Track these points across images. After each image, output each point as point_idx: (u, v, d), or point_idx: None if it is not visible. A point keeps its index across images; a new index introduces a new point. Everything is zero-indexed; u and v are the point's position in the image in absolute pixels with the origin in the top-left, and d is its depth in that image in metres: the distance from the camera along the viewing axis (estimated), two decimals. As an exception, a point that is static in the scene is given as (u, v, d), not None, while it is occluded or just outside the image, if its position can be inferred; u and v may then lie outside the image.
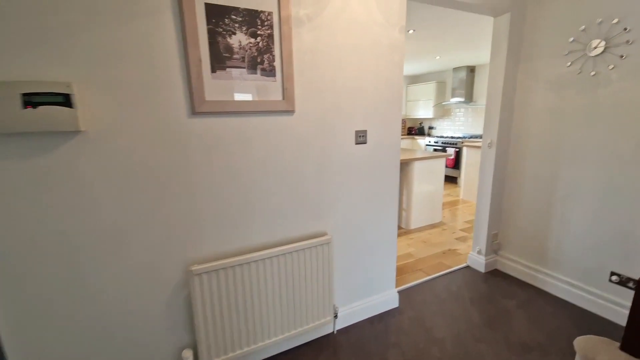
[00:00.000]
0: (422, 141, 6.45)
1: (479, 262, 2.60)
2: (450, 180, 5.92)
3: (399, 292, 2.27)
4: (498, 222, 2.57)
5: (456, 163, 5.60)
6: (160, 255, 1.34)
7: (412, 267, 2.66)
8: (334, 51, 1.58)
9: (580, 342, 1.57)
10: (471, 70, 5.66)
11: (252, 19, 1.32)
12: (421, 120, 7.16)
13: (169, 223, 1.34)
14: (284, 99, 1.44)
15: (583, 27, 1.95)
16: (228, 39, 1.28)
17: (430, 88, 6.33)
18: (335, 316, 1.81)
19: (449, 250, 2.99)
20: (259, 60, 1.36)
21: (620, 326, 1.90)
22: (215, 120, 1.35)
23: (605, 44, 1.86)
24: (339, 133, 1.68)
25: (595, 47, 1.90)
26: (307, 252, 1.57)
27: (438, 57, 4.87)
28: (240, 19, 1.30)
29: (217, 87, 1.30)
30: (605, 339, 1.58)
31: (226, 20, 1.27)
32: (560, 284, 2.20)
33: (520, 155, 2.39)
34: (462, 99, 5.71)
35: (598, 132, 1.95)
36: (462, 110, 6.13)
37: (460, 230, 3.51)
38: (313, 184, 1.66)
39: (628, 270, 1.89)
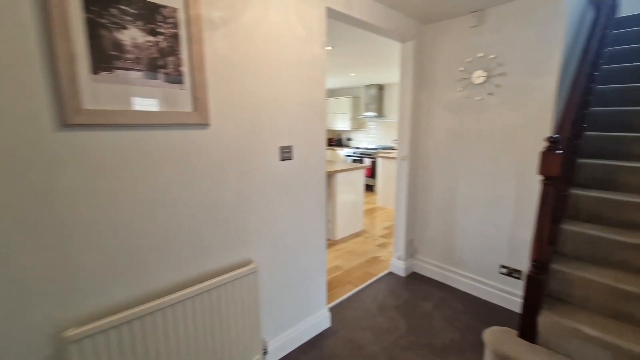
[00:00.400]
0: (342, 152, 6.74)
1: (400, 267, 2.75)
2: (368, 188, 6.31)
3: (331, 309, 2.21)
4: (413, 229, 2.78)
5: (372, 172, 6.00)
6: (11, 322, 0.96)
7: (341, 280, 2.65)
8: (253, 62, 1.45)
9: (488, 336, 1.75)
10: (380, 88, 6.21)
11: (151, 14, 1.09)
12: (339, 132, 7.51)
13: (28, 276, 0.97)
14: (195, 110, 1.24)
15: (469, 59, 2.27)
16: (116, 34, 1.03)
17: (346, 102, 6.70)
18: (265, 352, 1.63)
19: (373, 258, 3.10)
20: (161, 63, 1.13)
21: (511, 311, 2.22)
22: (102, 134, 1.06)
23: (486, 74, 2.20)
24: (261, 149, 1.54)
25: (479, 77, 2.23)
26: (230, 286, 1.37)
27: (353, 75, 5.18)
28: (133, 11, 1.06)
29: (103, 92, 1.02)
30: (506, 328, 1.80)
31: (113, 10, 1.01)
32: (466, 280, 2.48)
33: (427, 169, 2.64)
34: (374, 114, 6.19)
35: (484, 150, 2.28)
36: (375, 123, 6.65)
37: (380, 237, 3.71)
38: (234, 207, 1.47)
39: (513, 263, 2.23)
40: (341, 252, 3.27)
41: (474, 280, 2.44)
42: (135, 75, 1.08)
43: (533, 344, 1.64)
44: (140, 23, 1.07)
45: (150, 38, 1.10)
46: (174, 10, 1.14)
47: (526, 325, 1.66)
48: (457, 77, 2.36)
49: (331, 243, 3.51)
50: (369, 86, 6.23)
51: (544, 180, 1.53)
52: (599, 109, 2.25)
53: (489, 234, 2.33)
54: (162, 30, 1.12)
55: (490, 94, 2.20)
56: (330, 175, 3.48)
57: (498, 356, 1.63)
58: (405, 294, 2.44)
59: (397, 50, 3.54)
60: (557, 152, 1.46)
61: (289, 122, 1.65)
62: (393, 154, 5.14)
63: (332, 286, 2.54)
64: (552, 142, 1.47)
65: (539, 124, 2.00)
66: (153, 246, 1.22)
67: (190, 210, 1.31)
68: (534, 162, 2.04)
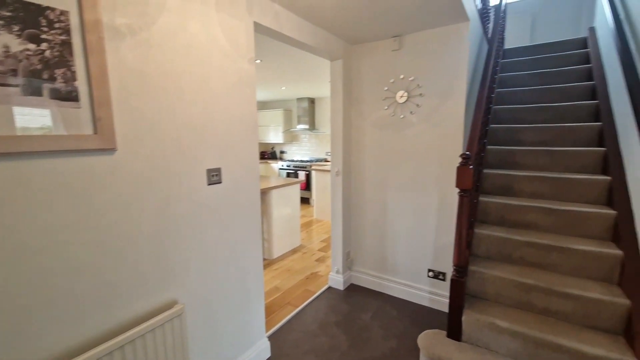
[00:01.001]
0: (276, 165, 6.64)
1: (338, 281, 2.77)
2: (304, 201, 6.32)
3: (270, 336, 2.09)
4: (350, 241, 2.84)
5: (307, 185, 6.04)
6: None
7: (281, 302, 2.54)
8: (172, 77, 1.30)
9: (421, 340, 1.84)
10: (312, 101, 6.34)
11: (32, 17, 0.88)
12: (273, 145, 7.40)
13: None
14: (96, 132, 1.03)
15: (392, 80, 2.45)
16: (-22, 40, 0.80)
17: (278, 115, 6.66)
18: (196, 402, 1.43)
19: (312, 274, 3.07)
20: (46, 76, 0.92)
21: (440, 311, 2.40)
22: (-45, 167, 0.80)
23: (408, 94, 2.40)
24: (185, 174, 1.38)
25: (401, 96, 2.42)
26: (149, 336, 1.17)
27: (284, 88, 5.18)
28: (8, 13, 0.84)
29: (-44, 113, 0.77)
30: (437, 330, 1.92)
31: (-28, 9, 0.79)
32: (399, 286, 2.62)
33: (360, 183, 2.74)
34: (306, 126, 6.28)
35: (410, 165, 2.46)
36: (307, 136, 6.74)
37: (318, 250, 3.71)
38: (152, 244, 1.27)
39: (438, 266, 2.43)
40: (279, 271, 3.16)
41: (406, 285, 2.59)
42: (9, 91, 0.85)
43: (460, 342, 1.79)
44: (16, 28, 0.86)
45: (31, 46, 0.88)
46: (64, 13, 0.94)
47: (453, 325, 1.80)
48: (382, 96, 2.52)
49: (268, 263, 3.38)
50: (301, 99, 6.31)
51: (460, 192, 1.71)
52: (495, 126, 2.64)
53: (416, 242, 2.50)
54: (47, 37, 0.91)
55: (412, 112, 2.40)
56: (264, 193, 3.37)
57: (431, 359, 1.73)
58: (345, 308, 2.46)
59: (326, 67, 3.65)
60: (469, 167, 1.64)
61: (217, 143, 1.52)
62: (327, 166, 5.26)
63: (271, 310, 2.42)
64: (465, 158, 1.65)
65: (453, 140, 2.24)
66: (40, 303, 0.96)
67: (90, 254, 1.08)
68: (451, 174, 2.27)
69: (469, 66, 2.19)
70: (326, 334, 2.14)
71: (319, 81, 4.61)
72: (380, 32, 2.29)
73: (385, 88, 2.49)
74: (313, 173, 5.28)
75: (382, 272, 2.72)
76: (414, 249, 2.52)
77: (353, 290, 2.74)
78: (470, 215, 1.95)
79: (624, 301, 1.54)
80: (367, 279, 2.79)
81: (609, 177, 1.96)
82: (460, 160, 1.68)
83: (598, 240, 1.84)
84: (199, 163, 1.44)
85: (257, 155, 1.77)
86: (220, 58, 1.51)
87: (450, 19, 2.06)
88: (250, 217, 1.75)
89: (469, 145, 1.84)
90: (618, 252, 1.68)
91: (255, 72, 1.70)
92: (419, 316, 2.35)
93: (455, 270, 1.77)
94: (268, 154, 7.23)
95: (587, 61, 2.90)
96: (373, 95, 2.57)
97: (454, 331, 1.79)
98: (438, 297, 2.44)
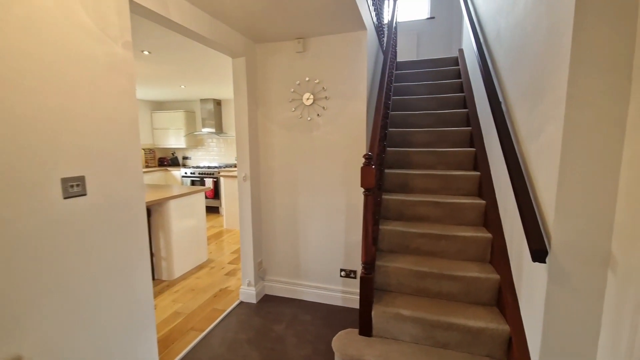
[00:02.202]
0: (178, 172, 5.96)
1: (250, 294, 2.58)
2: (212, 210, 5.83)
3: (167, 373, 1.77)
4: (261, 250, 2.69)
5: (216, 193, 5.59)
6: None
7: (182, 329, 2.21)
8: (6, 60, 0.95)
9: (335, 342, 1.83)
10: (218, 103, 5.93)
11: None
12: (174, 150, 6.64)
13: None
14: None
15: (298, 82, 2.42)
16: None
17: (179, 116, 6.00)
18: None
19: (221, 290, 2.79)
20: None
21: (353, 309, 2.46)
22: None
23: (314, 97, 2.40)
24: (30, 183, 1.03)
25: (307, 99, 2.41)
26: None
27: (183, 86, 4.68)
28: None
29: None
30: (349, 330, 1.94)
31: None
32: (313, 290, 2.59)
33: (270, 187, 2.62)
34: (212, 130, 5.83)
35: (318, 167, 2.47)
36: (215, 140, 6.27)
37: (228, 263, 3.42)
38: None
39: (349, 265, 2.50)
40: (181, 292, 2.78)
41: (320, 288, 2.58)
42: None
43: (370, 337, 1.84)
44: None
45: None
46: None
47: (364, 322, 1.84)
48: (289, 98, 2.47)
49: (168, 285, 2.93)
50: (205, 100, 5.83)
51: (365, 191, 1.76)
52: (392, 130, 2.88)
53: (327, 243, 2.52)
54: None
55: (318, 115, 2.41)
56: (160, 204, 2.93)
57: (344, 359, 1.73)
58: (258, 322, 2.29)
59: (231, 66, 3.42)
60: (372, 166, 1.71)
61: (79, 144, 1.19)
62: (237, 171, 4.96)
63: (170, 340, 2.07)
64: (368, 159, 1.71)
65: (357, 141, 2.34)
66: None
67: None
68: (356, 174, 2.36)
69: (369, 73, 2.33)
70: (236, 355, 1.94)
71: (225, 81, 4.32)
72: (283, 32, 2.24)
73: (292, 90, 2.44)
74: (222, 180, 4.91)
75: (296, 278, 2.65)
76: (325, 251, 2.53)
77: (267, 301, 2.60)
78: (374, 212, 2.05)
79: (495, 276, 1.82)
80: (281, 287, 2.68)
81: (478, 173, 2.34)
82: (363, 160, 1.73)
83: (474, 227, 2.15)
84: (49, 170, 1.10)
85: (140, 160, 1.47)
86: (81, 38, 1.19)
87: (349, 26, 2.14)
88: (133, 235, 1.44)
89: (371, 147, 1.92)
90: (488, 235, 1.99)
91: (132, 59, 1.41)
92: (334, 317, 2.36)
93: (363, 267, 1.82)
94: (168, 161, 6.44)
95: (459, 76, 3.45)
96: (280, 96, 2.50)
97: (365, 328, 1.83)
98: (351, 295, 2.50)
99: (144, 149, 6.11)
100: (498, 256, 1.88)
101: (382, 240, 2.19)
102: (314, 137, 2.45)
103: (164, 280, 3.00)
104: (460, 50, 3.70)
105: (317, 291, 2.58)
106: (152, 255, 2.99)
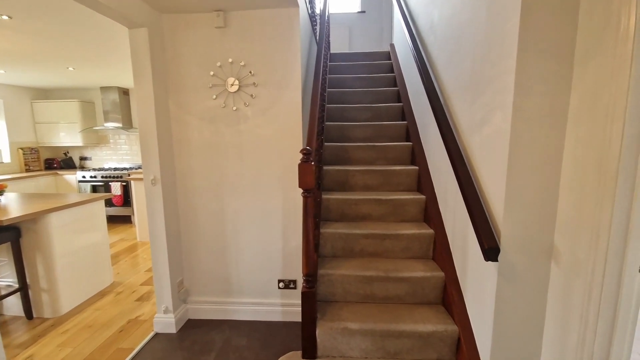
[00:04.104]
0: (73, 177, 4.85)
1: (168, 323, 2.11)
2: (123, 220, 4.92)
3: None
4: (181, 268, 2.23)
5: (126, 199, 4.71)
6: None
7: (68, 386, 1.65)
8: None
9: (277, 373, 1.55)
10: (125, 92, 5.00)
11: None
12: (66, 150, 5.41)
13: None
14: None
15: (219, 63, 2.03)
16: None
17: (72, 108, 4.89)
18: None
19: (129, 322, 2.23)
20: None
21: (296, 322, 2.20)
22: None
23: (239, 82, 2.04)
24: None
25: (232, 85, 2.04)
26: None
27: (72, 69, 3.75)
28: None
29: None
30: (291, 354, 1.67)
31: None
32: (248, 307, 2.24)
33: (189, 191, 2.18)
34: (119, 125, 4.89)
35: (249, 164, 2.13)
36: (124, 137, 5.30)
37: (141, 285, 2.81)
38: None
39: (288, 275, 2.22)
40: (72, 332, 2.13)
41: (256, 304, 2.25)
42: None
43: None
44: None
45: None
46: None
47: (307, 344, 1.59)
48: (209, 83, 2.06)
49: (51, 325, 2.24)
50: (107, 89, 4.84)
51: (304, 192, 1.50)
52: (330, 123, 2.69)
53: (263, 252, 2.20)
54: None
55: (246, 104, 2.06)
56: (36, 221, 2.21)
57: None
58: (179, 357, 1.86)
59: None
60: (311, 163, 1.45)
61: None
62: (152, 173, 4.22)
63: (47, 408, 1.52)
64: (307, 154, 1.45)
65: (292, 136, 2.06)
66: None
67: None
68: (293, 173, 2.09)
69: (302, 60, 2.07)
70: (148, 411, 1.50)
71: (126, 65, 3.58)
72: (197, 1, 1.83)
73: (212, 73, 2.04)
74: (132, 184, 4.13)
75: (227, 295, 2.27)
76: (261, 262, 2.21)
77: (191, 327, 2.16)
78: (316, 215, 1.81)
79: (439, 274, 1.75)
80: (210, 309, 2.26)
81: (417, 167, 2.29)
82: (301, 156, 1.47)
83: (416, 222, 2.09)
84: None
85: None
86: None
87: (278, 0, 1.84)
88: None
89: (309, 141, 1.67)
90: (430, 231, 1.93)
91: None
92: (274, 337, 2.06)
93: (305, 280, 1.57)
94: (59, 162, 5.21)
95: (392, 70, 3.44)
96: (197, 81, 2.07)
97: (310, 350, 1.59)
98: (291, 307, 2.23)
99: (22, 148, 4.82)
100: (441, 252, 1.82)
101: (324, 245, 1.97)
102: (242, 130, 2.10)
103: (47, 319, 2.29)
104: (392, 45, 3.72)
105: (253, 308, 2.24)
106: (25, 287, 2.24)
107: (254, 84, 2.03)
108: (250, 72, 2.03)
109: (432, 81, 1.95)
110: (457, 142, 1.61)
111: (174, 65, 2.06)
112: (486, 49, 1.41)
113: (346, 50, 4.60)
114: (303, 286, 1.57)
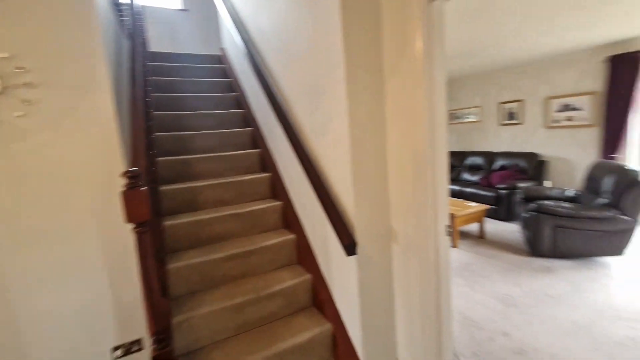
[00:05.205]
0: None
1: None
2: None
3: None
4: None
5: None
6: None
7: None
8: None
9: None
10: None
11: None
12: None
13: None
14: None
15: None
16: None
17: None
18: None
19: None
20: None
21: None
22: None
23: (2, 82, 1.37)
24: None
25: (-13, 84, 1.35)
26: None
27: None
28: None
29: None
30: None
31: None
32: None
33: None
34: None
35: (39, 203, 1.46)
36: None
37: None
38: None
39: (128, 335, 1.69)
40: None
41: (85, 391, 1.60)
42: None
43: None
44: None
45: None
46: None
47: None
48: None
49: None
50: None
51: (136, 227, 1.14)
52: (162, 134, 2.26)
53: (81, 318, 1.58)
54: None
55: (19, 115, 1.40)
56: None
57: None
58: None
59: None
60: (141, 188, 1.11)
61: None
62: None
63: None
64: (133, 178, 1.10)
65: (107, 153, 1.56)
66: None
67: None
68: (116, 201, 1.59)
69: (108, 54, 1.60)
70: None
71: None
72: None
73: None
74: None
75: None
76: (79, 331, 1.58)
77: None
78: (158, 251, 1.44)
79: (307, 276, 1.76)
80: None
81: (269, 174, 2.24)
82: (125, 181, 1.10)
83: (278, 230, 2.03)
84: None
85: None
86: None
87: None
88: None
89: (134, 159, 1.30)
90: (292, 236, 1.92)
91: None
92: None
93: (154, 341, 1.20)
94: None
95: (227, 75, 3.26)
96: None
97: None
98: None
99: None
100: (304, 255, 1.84)
101: (176, 283, 1.62)
102: (18, 152, 1.42)
103: None
104: (223, 49, 3.53)
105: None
106: None
107: (29, 84, 1.41)
108: (22, 69, 1.39)
109: (272, 91, 1.93)
110: (304, 148, 1.65)
111: None
112: (317, 58, 1.49)
113: (170, 50, 4.04)
114: (153, 348, 1.20)
